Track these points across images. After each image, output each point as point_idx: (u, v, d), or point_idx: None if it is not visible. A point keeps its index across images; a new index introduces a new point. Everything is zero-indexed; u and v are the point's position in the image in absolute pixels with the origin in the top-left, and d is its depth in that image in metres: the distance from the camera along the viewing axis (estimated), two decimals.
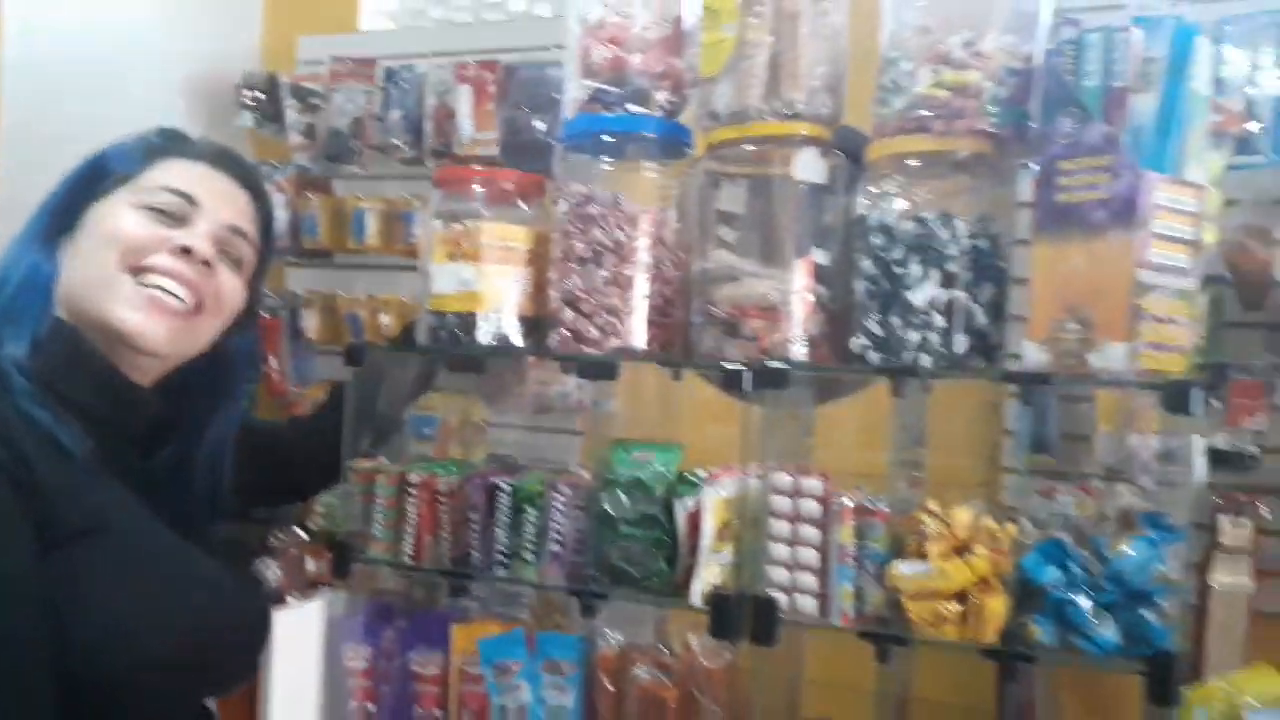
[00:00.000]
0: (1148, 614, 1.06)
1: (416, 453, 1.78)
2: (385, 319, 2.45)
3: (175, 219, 1.04)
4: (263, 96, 2.50)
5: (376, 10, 2.75)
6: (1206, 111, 1.11)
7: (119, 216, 1.02)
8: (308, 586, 1.29)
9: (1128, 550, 1.08)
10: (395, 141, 2.41)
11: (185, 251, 1.02)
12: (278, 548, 1.24)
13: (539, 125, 2.30)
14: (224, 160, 1.12)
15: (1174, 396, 1.03)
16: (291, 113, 2.46)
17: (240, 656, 1.02)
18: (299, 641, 1.26)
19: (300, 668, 1.04)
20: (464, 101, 2.34)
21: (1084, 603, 1.06)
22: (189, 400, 1.11)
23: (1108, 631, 1.06)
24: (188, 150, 1.11)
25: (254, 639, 1.02)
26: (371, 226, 2.40)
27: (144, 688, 0.90)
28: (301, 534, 1.27)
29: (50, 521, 0.87)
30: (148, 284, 1.01)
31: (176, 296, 1.02)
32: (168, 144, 1.11)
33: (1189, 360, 1.09)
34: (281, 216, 2.47)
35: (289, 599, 1.40)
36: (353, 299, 2.48)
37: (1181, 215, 1.05)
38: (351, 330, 2.48)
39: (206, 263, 1.04)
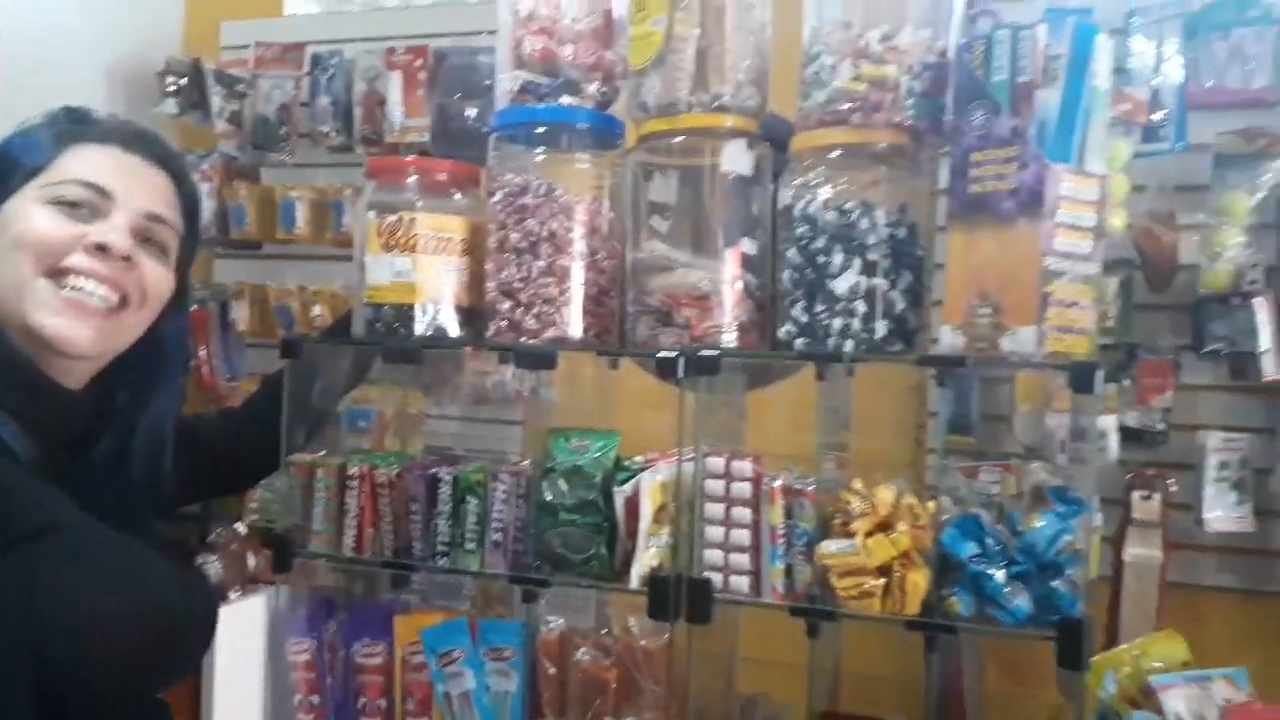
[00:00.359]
0: (1057, 584, 1.13)
1: (352, 445, 1.78)
2: (318, 310, 2.43)
3: (89, 212, 0.99)
4: (186, 83, 2.45)
5: None
6: (1107, 105, 1.16)
7: (29, 216, 0.97)
8: (249, 582, 1.29)
9: (1038, 524, 1.14)
10: (324, 129, 2.39)
11: (102, 249, 0.97)
12: (218, 544, 1.23)
13: (470, 112, 2.30)
14: (138, 142, 1.05)
15: (1079, 376, 1.09)
16: (217, 99, 2.42)
17: (192, 650, 1.02)
18: (242, 637, 1.27)
19: (243, 663, 1.05)
20: (394, 88, 2.33)
21: (999, 575, 1.12)
22: (123, 391, 1.07)
23: (1021, 601, 1.12)
24: (97, 134, 1.03)
25: (203, 633, 1.02)
26: (302, 216, 2.38)
27: (103, 682, 0.90)
28: (241, 530, 1.26)
29: (4, 521, 0.87)
30: (66, 286, 0.97)
31: (97, 296, 0.98)
32: (75, 128, 1.03)
33: (1093, 342, 1.15)
34: (208, 206, 2.43)
35: (231, 594, 1.40)
36: (283, 290, 2.46)
37: (1084, 204, 1.11)
38: (282, 322, 2.46)
39: (126, 257, 0.99)
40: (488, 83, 2.31)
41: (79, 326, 0.97)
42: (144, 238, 1.03)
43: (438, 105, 2.30)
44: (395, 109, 2.32)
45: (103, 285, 0.98)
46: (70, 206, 0.98)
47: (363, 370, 1.46)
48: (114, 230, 0.99)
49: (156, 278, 1.03)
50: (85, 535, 0.93)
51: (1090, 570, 1.67)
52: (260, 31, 2.54)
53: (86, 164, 1.00)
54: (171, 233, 1.06)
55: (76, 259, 0.97)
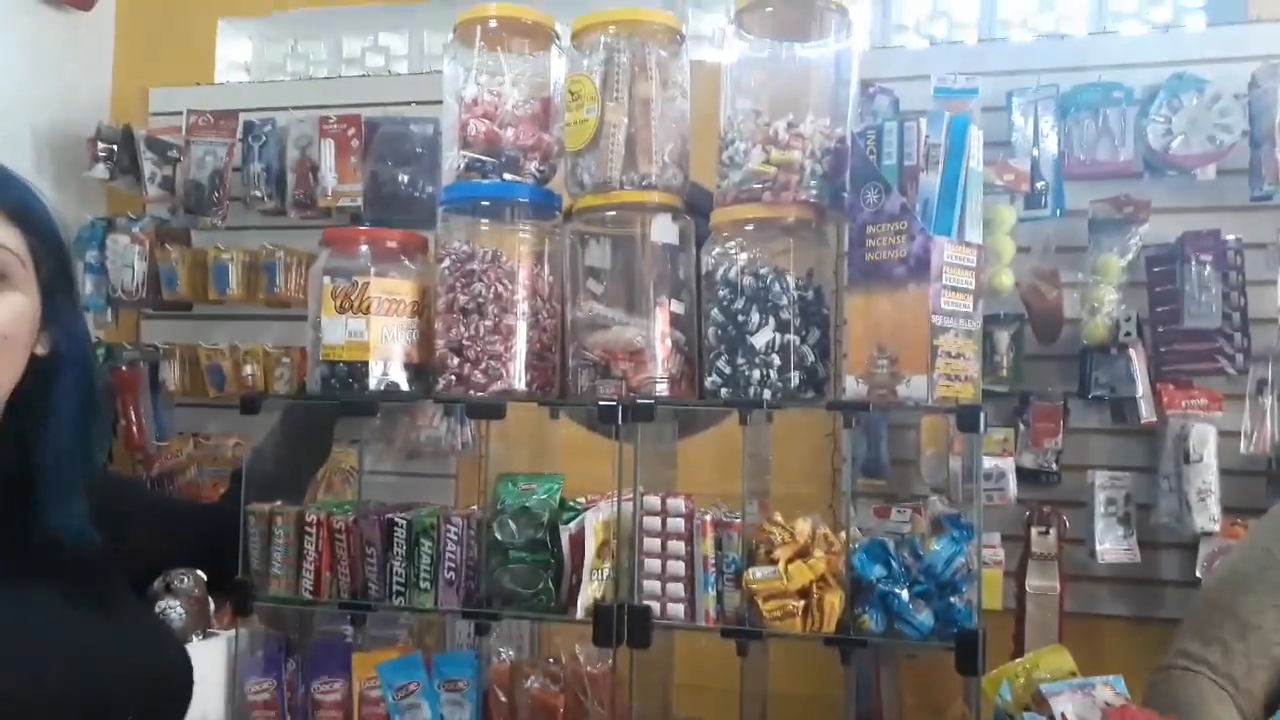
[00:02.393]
0: (954, 600, 1.28)
1: None
2: (249, 369, 2.48)
3: None
4: (116, 149, 2.50)
5: (231, 63, 2.79)
6: (981, 183, 1.36)
7: None
8: (209, 626, 1.35)
9: (936, 548, 1.30)
10: (257, 193, 2.47)
11: None
12: (180, 590, 1.29)
13: (403, 178, 2.41)
14: None
15: (965, 418, 1.26)
16: (149, 165, 2.48)
17: (165, 701, 1.05)
18: (203, 679, 1.32)
19: (204, 706, 1.11)
20: (327, 155, 2.43)
21: (904, 594, 1.27)
22: (21, 416, 1.01)
23: (924, 616, 1.27)
24: None
25: (178, 684, 1.06)
26: (235, 277, 2.45)
27: None
28: (202, 575, 1.33)
29: None
30: None
31: None
32: None
33: (977, 388, 1.32)
34: (139, 268, 2.48)
35: (193, 638, 1.45)
36: (215, 349, 2.50)
37: (964, 270, 1.29)
38: (214, 381, 2.51)
39: None
40: (419, 150, 2.44)
41: None
42: None
43: (371, 171, 2.41)
44: (328, 175, 2.42)
45: None
46: None
47: (327, 445, 1.51)
48: None
49: (6, 307, 0.96)
50: None
51: (990, 600, 1.83)
52: (189, 98, 2.60)
53: None
54: (8, 254, 0.97)
55: None
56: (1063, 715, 1.27)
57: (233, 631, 1.41)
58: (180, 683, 1.09)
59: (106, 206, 2.64)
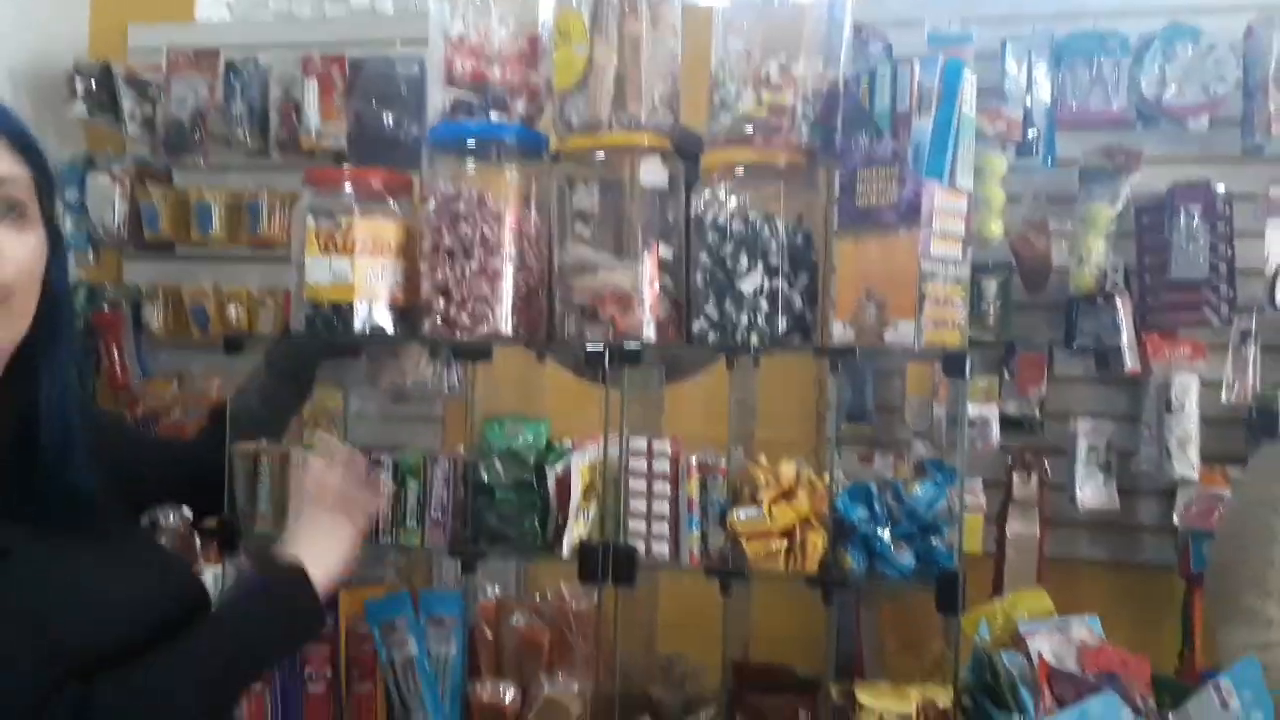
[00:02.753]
0: (936, 542, 1.30)
1: None
2: (233, 310, 2.47)
3: None
4: (95, 86, 2.45)
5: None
6: (973, 129, 1.35)
7: None
8: (195, 563, 1.36)
9: (918, 491, 1.31)
10: (239, 133, 2.43)
11: None
12: (165, 528, 1.30)
13: (387, 119, 2.38)
14: None
15: (951, 363, 1.27)
16: (128, 103, 2.44)
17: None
18: None
19: None
20: (310, 95, 2.38)
21: (886, 535, 1.29)
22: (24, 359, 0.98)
23: (905, 557, 1.29)
24: None
25: (203, 605, 1.08)
26: (217, 218, 2.42)
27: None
28: (186, 513, 1.33)
29: None
30: None
31: None
32: None
33: (963, 334, 1.33)
34: (120, 208, 2.45)
35: None
36: (198, 290, 2.48)
37: (954, 216, 1.29)
38: (198, 322, 2.49)
39: None
40: (403, 91, 2.40)
41: None
42: None
43: (355, 112, 2.37)
44: (312, 115, 2.38)
45: None
46: None
47: (309, 383, 1.51)
48: None
49: (20, 245, 0.93)
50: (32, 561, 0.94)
51: (970, 545, 1.86)
52: (168, 35, 2.55)
53: None
54: (14, 187, 0.93)
55: None
56: (1039, 654, 1.30)
57: (219, 568, 1.42)
58: (205, 605, 1.10)
59: (85, 144, 2.60)
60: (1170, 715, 1.27)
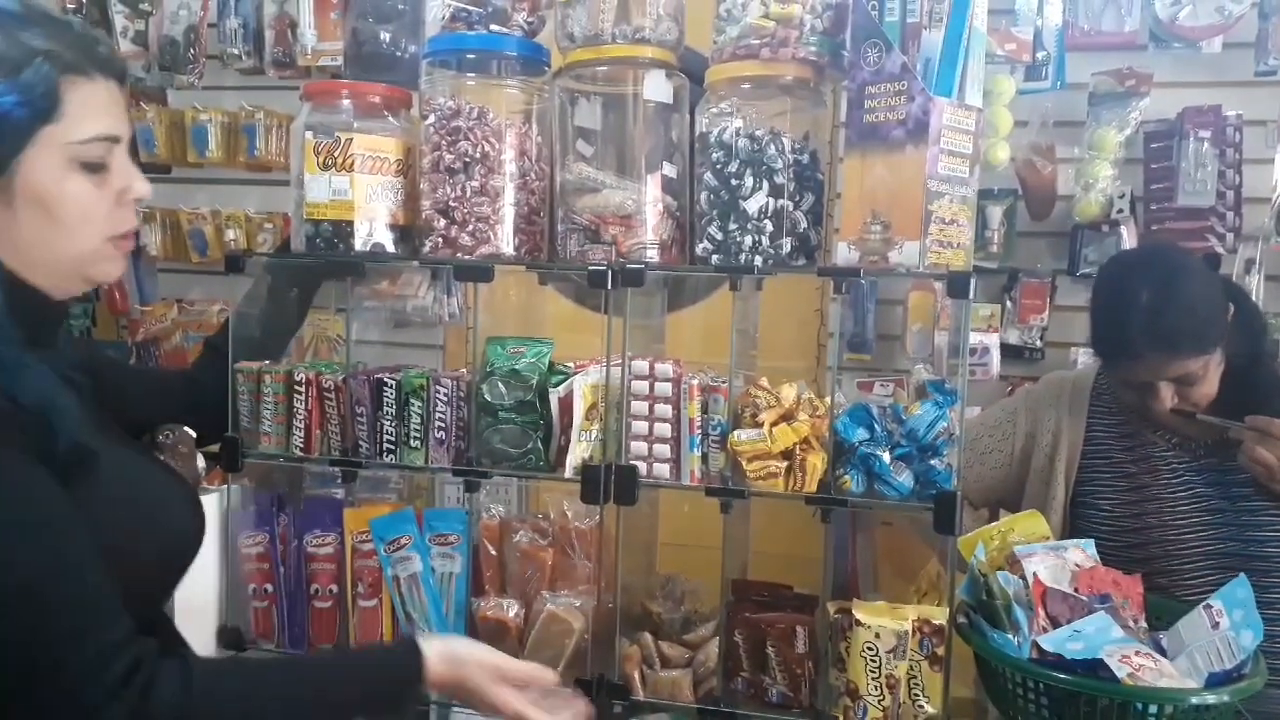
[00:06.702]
0: (935, 463, 1.31)
1: None
2: (232, 234, 2.45)
3: (104, 161, 1.00)
4: (86, 2, 2.39)
5: None
6: (984, 45, 1.32)
7: (73, 191, 0.98)
8: (199, 482, 1.37)
9: (918, 413, 1.32)
10: (234, 51, 2.38)
11: (139, 199, 1.04)
12: (166, 445, 1.30)
13: (385, 36, 2.32)
14: (114, 66, 1.01)
15: (956, 284, 1.25)
16: (120, 19, 2.38)
17: (189, 562, 1.11)
18: None
19: (200, 557, 1.13)
20: (305, 11, 2.33)
21: (885, 456, 1.30)
22: None
23: (904, 479, 1.30)
24: (86, 65, 0.98)
25: (199, 544, 1.11)
26: (214, 139, 2.38)
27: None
28: (190, 432, 1.34)
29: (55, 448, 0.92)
30: (124, 237, 1.04)
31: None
32: (72, 59, 0.96)
33: (969, 255, 1.31)
34: None
35: None
36: (196, 213, 2.46)
37: (963, 133, 1.27)
38: (196, 246, 2.47)
39: None
40: (401, 7, 2.34)
41: (123, 261, 1.07)
42: None
43: (352, 29, 2.31)
44: (307, 32, 2.32)
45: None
46: (97, 166, 0.99)
47: (307, 300, 1.50)
48: (137, 177, 1.04)
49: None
50: (116, 464, 1.00)
51: None
52: None
53: (96, 115, 0.99)
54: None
55: (128, 216, 1.04)
56: (1035, 575, 1.31)
57: (224, 488, 1.43)
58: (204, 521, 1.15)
59: None
60: (1162, 635, 1.30)
